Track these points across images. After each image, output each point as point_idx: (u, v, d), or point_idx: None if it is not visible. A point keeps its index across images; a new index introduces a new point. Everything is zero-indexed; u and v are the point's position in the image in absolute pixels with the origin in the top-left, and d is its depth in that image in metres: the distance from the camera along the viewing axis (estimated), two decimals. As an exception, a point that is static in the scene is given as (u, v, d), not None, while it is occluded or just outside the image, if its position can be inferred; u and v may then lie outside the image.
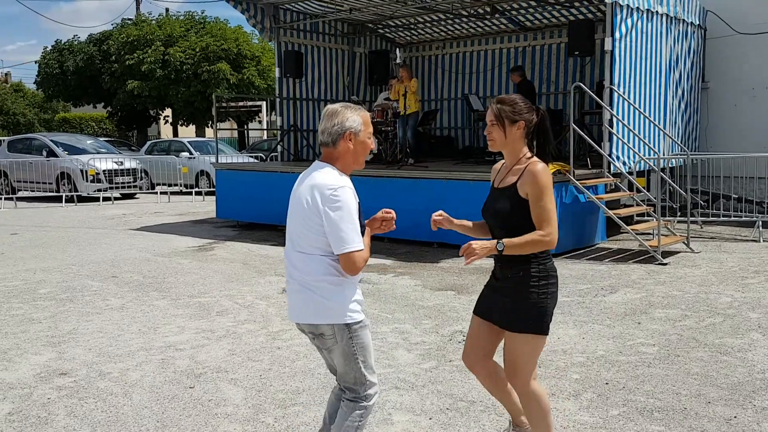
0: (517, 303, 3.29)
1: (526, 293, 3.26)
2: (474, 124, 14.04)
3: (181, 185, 19.51)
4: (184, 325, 6.29)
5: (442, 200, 10.02)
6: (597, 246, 10.03)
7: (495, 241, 3.21)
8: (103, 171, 17.89)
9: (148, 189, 19.42)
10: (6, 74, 69.85)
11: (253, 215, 12.29)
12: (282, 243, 10.81)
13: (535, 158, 3.33)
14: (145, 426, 4.10)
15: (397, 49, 16.86)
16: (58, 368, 5.12)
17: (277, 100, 14.18)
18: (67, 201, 17.53)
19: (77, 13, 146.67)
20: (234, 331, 6.07)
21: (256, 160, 18.53)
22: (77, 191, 17.82)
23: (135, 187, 18.82)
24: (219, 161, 13.67)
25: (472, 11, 13.85)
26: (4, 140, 20.98)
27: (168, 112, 35.50)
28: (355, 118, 3.12)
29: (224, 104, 30.60)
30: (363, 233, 3.13)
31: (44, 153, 18.78)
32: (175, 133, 36.25)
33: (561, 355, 5.32)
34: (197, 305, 6.97)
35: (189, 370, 5.07)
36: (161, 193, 19.07)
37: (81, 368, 5.12)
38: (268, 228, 12.06)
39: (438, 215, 3.53)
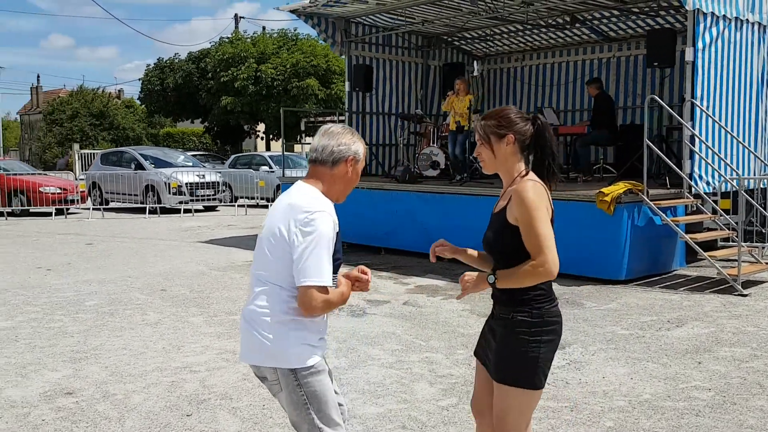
0: (502, 350, 2.83)
1: (514, 340, 2.79)
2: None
3: (257, 198, 19.69)
4: (209, 344, 6.09)
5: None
6: (674, 273, 9.21)
7: (486, 273, 2.83)
8: (186, 184, 18.28)
9: (229, 202, 19.73)
10: (119, 91, 73.88)
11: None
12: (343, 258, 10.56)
13: (528, 176, 2.84)
14: (124, 457, 3.87)
15: (475, 62, 16.39)
16: (67, 387, 4.99)
17: (346, 114, 14.01)
18: (150, 212, 18.01)
19: (192, 33, 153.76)
20: (256, 353, 5.80)
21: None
22: (161, 203, 18.29)
23: (216, 199, 19.14)
24: (287, 175, 13.60)
25: (551, 21, 13.23)
26: (98, 153, 21.88)
27: (262, 126, 36.30)
28: (360, 146, 2.84)
29: (312, 119, 30.89)
30: (336, 267, 2.76)
31: (132, 166, 19.42)
32: (268, 148, 37.01)
33: (600, 398, 4.74)
34: (230, 323, 6.77)
35: (194, 395, 4.82)
36: (239, 206, 19.32)
37: (89, 388, 4.97)
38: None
39: (438, 245, 3.12)
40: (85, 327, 6.66)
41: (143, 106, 39.88)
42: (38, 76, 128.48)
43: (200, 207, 19.06)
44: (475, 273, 2.87)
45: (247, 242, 12.56)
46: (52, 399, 4.75)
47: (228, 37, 34.70)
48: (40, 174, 20.61)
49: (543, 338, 2.78)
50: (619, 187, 8.52)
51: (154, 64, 36.09)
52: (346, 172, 2.79)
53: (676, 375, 5.20)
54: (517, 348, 2.77)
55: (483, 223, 10.69)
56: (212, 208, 19.62)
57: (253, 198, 19.93)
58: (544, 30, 13.95)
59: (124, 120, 53.21)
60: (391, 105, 14.60)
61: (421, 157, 12.54)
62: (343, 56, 14.11)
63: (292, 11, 12.72)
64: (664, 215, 8.57)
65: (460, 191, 10.23)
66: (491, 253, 2.94)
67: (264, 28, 39.42)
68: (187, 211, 18.23)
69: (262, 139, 37.57)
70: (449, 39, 15.33)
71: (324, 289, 2.62)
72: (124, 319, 6.99)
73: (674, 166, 9.11)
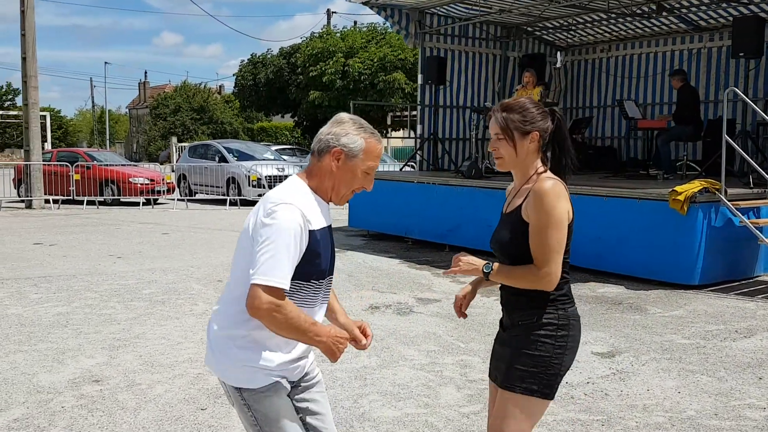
0: (519, 355, 2.56)
1: (535, 344, 2.54)
2: (629, 134, 12.69)
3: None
4: (247, 337, 6.05)
5: (570, 217, 9.05)
6: (757, 278, 8.52)
7: (484, 261, 2.61)
8: (265, 176, 18.55)
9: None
10: (220, 87, 76.30)
11: (383, 225, 11.98)
12: (402, 256, 10.40)
13: (546, 173, 2.60)
14: (127, 449, 3.84)
15: (558, 53, 15.80)
16: (97, 374, 5.05)
17: (419, 108, 13.79)
18: (231, 204, 18.39)
19: (293, 29, 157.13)
20: (290, 348, 5.71)
21: (413, 169, 18.28)
22: (242, 195, 18.66)
23: (294, 192, 19.33)
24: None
25: (636, 9, 12.55)
26: (186, 146, 22.56)
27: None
28: (356, 138, 2.43)
29: (398, 113, 30.81)
30: (327, 271, 2.47)
31: (217, 159, 19.90)
32: (356, 142, 37.27)
33: (637, 413, 4.37)
34: (273, 317, 6.72)
35: (214, 390, 4.76)
36: (315, 199, 19.43)
37: (117, 376, 5.02)
38: (396, 239, 11.68)
39: (458, 304, 2.81)
40: (134, 315, 6.77)
41: (230, 102, 40.98)
42: (145, 72, 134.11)
43: (280, 200, 19.27)
44: (472, 257, 2.62)
45: (315, 235, 12.58)
46: (78, 386, 4.81)
47: (319, 32, 35.10)
48: (130, 165, 21.45)
49: (568, 344, 2.57)
50: (694, 186, 7.93)
51: (248, 60, 36.95)
52: (330, 168, 2.43)
53: (731, 391, 4.74)
54: (540, 354, 2.53)
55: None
56: (291, 201, 19.81)
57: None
58: (629, 19, 13.26)
59: (223, 114, 54.98)
60: (465, 98, 14.28)
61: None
62: (417, 48, 13.88)
63: (365, 3, 12.61)
64: (742, 216, 7.92)
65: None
66: (503, 256, 2.67)
67: (355, 22, 39.68)
68: (266, 203, 18.46)
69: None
70: (529, 29, 14.83)
71: (275, 291, 2.25)
72: (174, 308, 7.07)
73: (754, 164, 8.42)
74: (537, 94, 11.07)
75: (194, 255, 10.41)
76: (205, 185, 20.08)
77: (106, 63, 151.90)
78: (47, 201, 18.23)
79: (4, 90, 58.89)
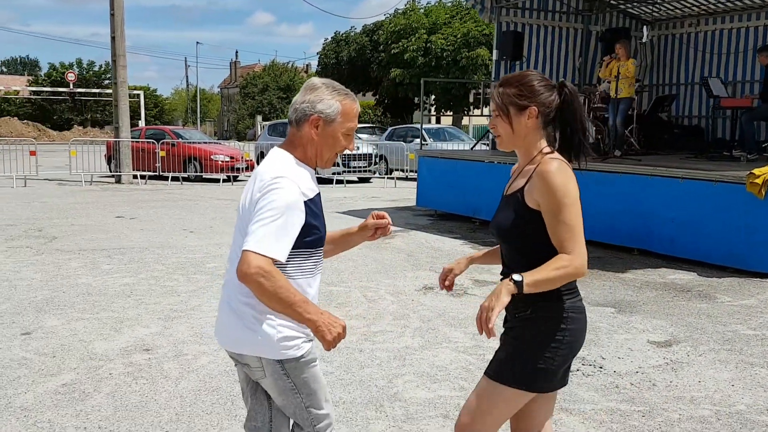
0: (507, 345, 2.45)
1: (532, 337, 2.39)
2: (714, 113, 12.04)
3: (407, 171, 19.71)
4: (297, 313, 6.12)
5: (639, 200, 8.73)
6: None
7: (506, 281, 2.29)
8: (341, 155, 18.70)
9: (384, 174, 19.93)
10: (307, 65, 77.19)
11: (450, 205, 11.86)
12: (467, 237, 10.27)
13: (552, 154, 2.41)
14: (161, 417, 3.96)
15: (644, 27, 15.13)
16: (149, 344, 5.23)
17: (492, 84, 13.50)
18: (307, 182, 18.63)
19: (383, 6, 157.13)
20: (337, 325, 5.75)
21: (487, 148, 18.03)
22: (317, 174, 18.85)
23: (369, 171, 19.42)
24: (432, 148, 13.42)
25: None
26: (266, 125, 22.98)
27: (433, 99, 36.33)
28: (332, 102, 2.42)
29: (479, 91, 30.33)
30: (316, 242, 2.46)
31: (293, 136, 20.20)
32: (438, 120, 37.00)
33: (683, 405, 4.17)
34: (326, 294, 6.77)
35: (256, 362, 4.86)
36: (388, 178, 19.46)
37: (167, 346, 5.18)
38: (462, 219, 11.55)
39: (444, 278, 2.76)
40: (195, 287, 6.97)
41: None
42: (236, 52, 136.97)
43: (355, 178, 19.44)
44: (491, 296, 2.28)
45: (384, 214, 12.60)
46: (129, 354, 5.00)
47: (403, 8, 34.95)
48: (213, 143, 22.06)
49: (565, 338, 2.38)
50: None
51: (331, 38, 37.25)
52: (311, 136, 2.43)
53: (791, 387, 4.46)
54: (533, 346, 2.38)
55: (622, 203, 9.96)
56: (366, 180, 19.94)
57: (403, 171, 20.01)
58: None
59: (305, 94, 55.74)
60: (544, 74, 13.85)
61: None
62: (493, 23, 13.59)
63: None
64: (827, 201, 7.39)
65: (598, 168, 9.49)
66: (505, 242, 2.52)
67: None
68: (339, 181, 18.66)
69: (429, 111, 37.61)
70: (613, 2, 14.25)
71: (265, 260, 2.24)
72: (233, 282, 7.23)
73: None
74: (632, 65, 10.64)
75: (263, 231, 10.59)
76: (282, 162, 20.40)
77: (198, 43, 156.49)
78: (135, 176, 19.01)
79: (102, 69, 61.54)
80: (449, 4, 33.89)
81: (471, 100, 32.21)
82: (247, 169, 19.91)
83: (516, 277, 2.27)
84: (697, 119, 14.28)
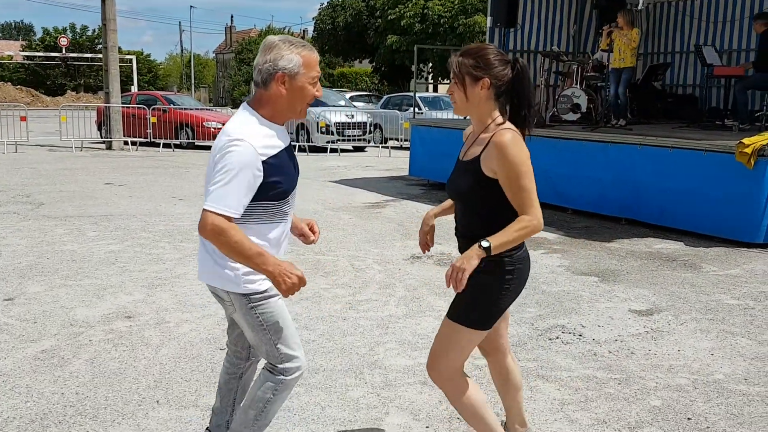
0: (468, 291, 2.64)
1: (481, 284, 2.64)
2: (707, 82, 11.94)
3: (401, 140, 19.63)
4: (282, 281, 6.12)
5: (631, 170, 8.70)
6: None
7: (475, 246, 2.56)
8: (334, 123, 18.58)
9: (379, 143, 19.83)
10: (303, 31, 76.42)
11: (443, 175, 11.70)
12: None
13: (505, 125, 2.64)
14: (139, 384, 3.96)
15: (641, -5, 14.92)
16: (131, 311, 5.23)
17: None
18: (300, 150, 18.55)
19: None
20: (320, 294, 5.75)
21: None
22: (311, 141, 18.77)
23: (364, 140, 19.32)
24: (425, 117, 13.33)
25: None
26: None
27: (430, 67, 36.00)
28: (292, 57, 2.55)
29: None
30: (290, 191, 2.64)
31: (288, 104, 20.05)
32: (435, 89, 36.74)
33: (660, 373, 4.19)
34: (313, 262, 6.78)
35: (237, 329, 4.86)
36: (383, 147, 19.37)
37: (149, 313, 5.18)
38: (454, 187, 11.53)
39: (422, 237, 3.15)
40: (181, 255, 6.96)
41: (315, 46, 40.89)
42: (231, 17, 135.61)
43: (349, 147, 19.34)
44: (464, 255, 2.57)
45: (375, 184, 12.56)
46: (110, 321, 5.00)
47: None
48: (206, 109, 21.88)
49: (512, 287, 2.70)
50: (763, 138, 7.43)
51: (327, 2, 36.76)
52: (280, 93, 2.57)
53: (769, 356, 4.48)
54: (483, 292, 2.67)
55: (612, 173, 9.94)
56: (361, 149, 19.85)
57: (398, 140, 19.92)
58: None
59: (305, 59, 55.08)
60: (538, 42, 13.75)
61: (562, 100, 11.74)
62: (487, -10, 13.39)
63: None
64: (816, 171, 7.37)
65: (589, 138, 9.45)
66: (464, 204, 2.75)
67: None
68: (333, 150, 18.58)
69: (427, 79, 37.34)
70: (608, -30, 14.04)
71: (220, 218, 2.44)
72: (219, 250, 7.21)
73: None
74: (636, 34, 10.52)
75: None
76: (277, 131, 20.28)
77: (191, 7, 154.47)
78: (126, 143, 18.88)
79: (96, 33, 60.85)
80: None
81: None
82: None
83: (484, 243, 2.54)
84: (691, 88, 14.17)
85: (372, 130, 19.69)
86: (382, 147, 19.46)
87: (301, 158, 15.94)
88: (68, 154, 17.23)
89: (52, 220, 8.54)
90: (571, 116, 11.51)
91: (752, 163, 7.36)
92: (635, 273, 6.55)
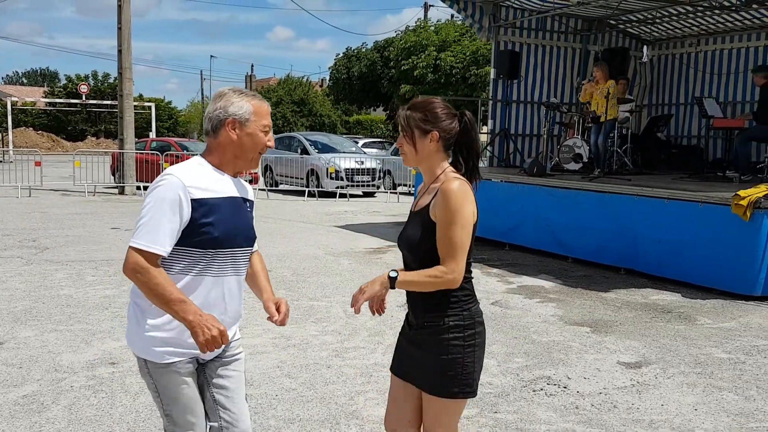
0: (437, 361, 2.60)
1: (447, 348, 2.58)
2: (707, 133, 11.98)
3: (410, 186, 19.72)
4: (272, 327, 6.13)
5: (629, 220, 8.69)
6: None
7: (385, 273, 2.56)
8: (344, 169, 18.75)
9: (389, 189, 19.96)
10: (322, 80, 77.72)
11: (445, 221, 11.81)
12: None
13: (453, 174, 2.63)
14: (113, 431, 3.97)
15: (645, 47, 15.08)
16: (116, 357, 5.25)
17: (490, 102, 13.53)
18: (309, 195, 18.70)
19: (401, 23, 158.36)
20: (309, 342, 5.76)
21: (482, 164, 18.02)
22: (321, 187, 18.93)
23: (374, 186, 19.46)
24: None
25: (723, 2, 11.82)
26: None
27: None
28: (242, 104, 2.53)
29: (486, 108, 30.31)
30: (226, 242, 2.49)
31: (299, 150, 20.28)
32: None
33: (641, 428, 4.13)
34: (306, 308, 6.79)
35: (219, 377, 4.87)
36: (391, 192, 19.48)
37: (132, 359, 5.15)
38: (456, 236, 11.53)
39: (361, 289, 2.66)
40: (175, 301, 6.99)
41: (330, 95, 41.47)
42: (252, 66, 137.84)
43: (359, 192, 19.47)
44: (369, 283, 2.56)
45: (380, 229, 12.61)
46: (93, 368, 5.02)
47: (413, 26, 35.08)
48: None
49: (477, 341, 2.63)
50: (759, 190, 7.42)
51: (343, 53, 37.43)
52: (231, 139, 2.51)
53: (754, 411, 4.40)
54: (454, 357, 2.58)
55: (610, 223, 9.95)
56: (370, 194, 19.98)
57: (406, 185, 20.05)
58: (717, 12, 12.51)
59: (322, 107, 55.89)
60: (541, 93, 13.89)
61: (563, 149, 11.83)
62: (491, 42, 13.61)
63: (436, -4, 12.46)
64: (812, 224, 7.33)
65: (587, 187, 9.47)
66: (410, 254, 2.70)
67: (452, 15, 39.35)
68: (342, 195, 18.71)
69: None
70: (612, 22, 14.26)
71: (144, 254, 2.33)
72: (214, 296, 7.25)
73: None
74: (610, 88, 10.62)
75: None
76: (288, 176, 20.53)
77: (212, 56, 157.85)
78: (138, 188, 19.14)
79: (116, 81, 62.15)
80: (459, 22, 33.97)
81: (480, 117, 32.21)
82: (251, 182, 19.97)
83: (392, 273, 2.53)
84: (696, 139, 14.21)
85: (382, 176, 19.83)
86: (391, 192, 19.57)
87: (309, 203, 16.13)
88: (80, 198, 17.48)
89: (54, 265, 8.64)
90: (573, 165, 11.57)
91: (748, 215, 7.34)
92: (628, 324, 6.50)
